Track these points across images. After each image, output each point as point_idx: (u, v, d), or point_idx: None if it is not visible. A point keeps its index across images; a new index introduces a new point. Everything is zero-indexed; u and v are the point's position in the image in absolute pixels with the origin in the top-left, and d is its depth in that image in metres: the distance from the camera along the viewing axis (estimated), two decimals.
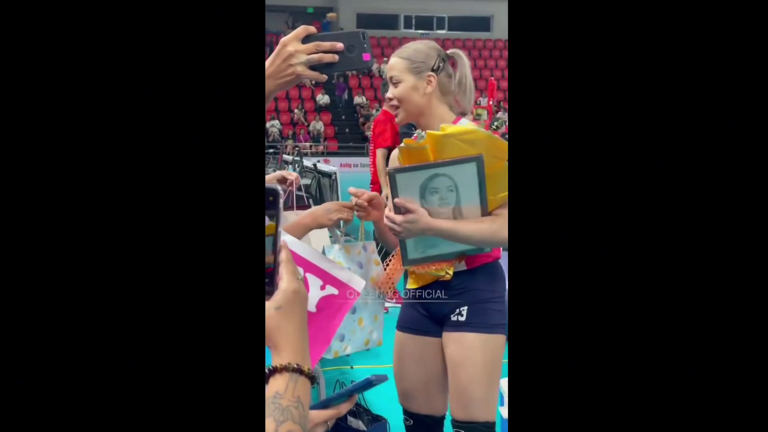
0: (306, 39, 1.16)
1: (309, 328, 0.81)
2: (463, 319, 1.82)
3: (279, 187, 0.77)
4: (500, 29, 25.59)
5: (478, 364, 1.79)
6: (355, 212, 1.81)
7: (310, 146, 19.58)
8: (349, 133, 21.29)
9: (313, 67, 1.16)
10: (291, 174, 2.07)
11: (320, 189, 6.88)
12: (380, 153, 4.78)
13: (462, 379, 1.80)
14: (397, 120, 1.88)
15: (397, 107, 1.85)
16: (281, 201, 0.77)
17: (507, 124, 1.71)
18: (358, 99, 22.60)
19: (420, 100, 1.82)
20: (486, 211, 1.71)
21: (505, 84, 17.50)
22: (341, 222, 1.82)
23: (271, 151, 11.16)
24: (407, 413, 1.97)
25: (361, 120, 21.71)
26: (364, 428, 2.75)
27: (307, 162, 7.74)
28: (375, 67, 22.56)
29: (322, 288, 1.47)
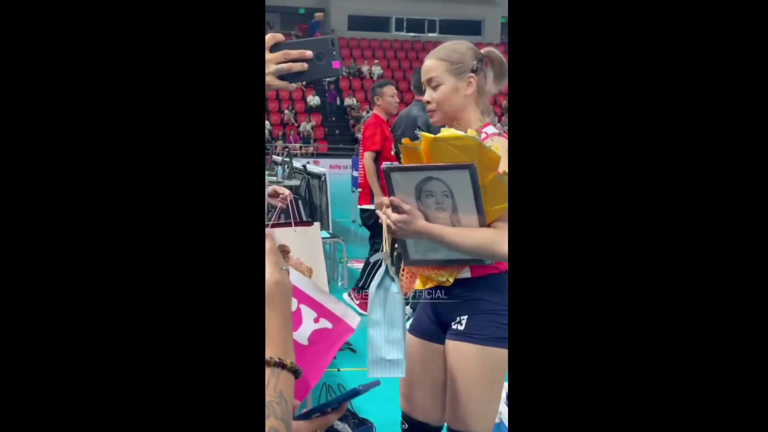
0: (274, 47, 1.12)
1: (298, 361, 0.78)
2: (462, 328, 1.78)
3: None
4: (491, 33, 25.66)
5: (473, 375, 1.75)
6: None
7: (300, 147, 19.56)
8: (339, 135, 21.28)
9: (282, 76, 1.12)
10: (283, 189, 2.05)
11: (309, 190, 6.87)
12: (368, 156, 4.78)
13: (457, 389, 1.77)
14: (432, 121, 1.86)
15: (434, 110, 1.83)
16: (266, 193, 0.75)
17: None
18: (349, 101, 22.58)
19: (460, 102, 1.80)
20: (484, 222, 1.67)
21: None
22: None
23: None
24: (405, 417, 1.94)
25: (352, 122, 21.70)
26: None
27: (297, 163, 7.72)
28: (366, 69, 22.58)
29: (316, 321, 1.42)
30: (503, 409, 2.40)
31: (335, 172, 12.60)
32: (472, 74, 1.79)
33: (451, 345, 1.79)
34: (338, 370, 3.79)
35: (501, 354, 1.75)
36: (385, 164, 1.73)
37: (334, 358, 1.55)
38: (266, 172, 7.66)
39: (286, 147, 15.02)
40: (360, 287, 4.89)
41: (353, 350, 3.94)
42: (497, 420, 2.39)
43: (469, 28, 25.31)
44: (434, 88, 1.81)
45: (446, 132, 1.66)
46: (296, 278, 1.39)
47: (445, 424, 1.88)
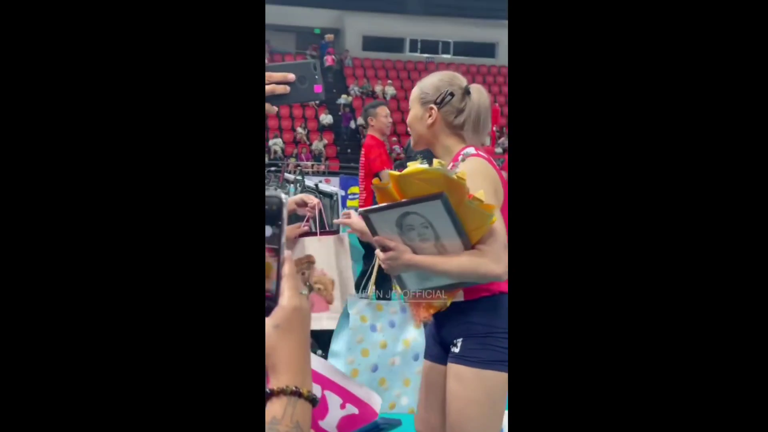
0: None
1: None
2: (457, 351, 1.80)
3: (282, 195, 0.74)
4: (505, 56, 25.66)
5: (468, 399, 1.76)
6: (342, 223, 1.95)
7: (312, 165, 19.61)
8: (351, 154, 21.33)
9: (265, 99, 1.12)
10: (311, 198, 2.03)
11: (321, 209, 6.86)
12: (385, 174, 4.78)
13: (452, 412, 1.79)
14: (411, 144, 1.98)
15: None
16: (285, 211, 0.74)
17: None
18: (361, 120, 22.64)
19: (423, 130, 1.92)
20: (468, 245, 1.71)
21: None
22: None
23: (273, 169, 11.16)
24: None
25: (363, 141, 21.67)
26: None
27: (309, 182, 7.72)
28: (379, 89, 22.67)
29: (342, 407, 1.38)
30: None
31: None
32: (433, 105, 1.88)
33: (450, 368, 1.82)
34: None
35: (495, 377, 1.75)
36: (360, 209, 1.79)
37: None
38: (278, 190, 7.65)
39: (299, 165, 15.06)
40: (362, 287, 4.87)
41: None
42: None
43: (483, 51, 25.40)
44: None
45: (410, 167, 1.71)
46: (317, 364, 1.36)
47: None
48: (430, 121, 1.89)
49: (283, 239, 0.74)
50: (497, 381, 1.76)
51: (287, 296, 0.75)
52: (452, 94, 1.89)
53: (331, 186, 7.87)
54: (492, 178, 1.79)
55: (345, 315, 1.92)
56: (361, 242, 5.13)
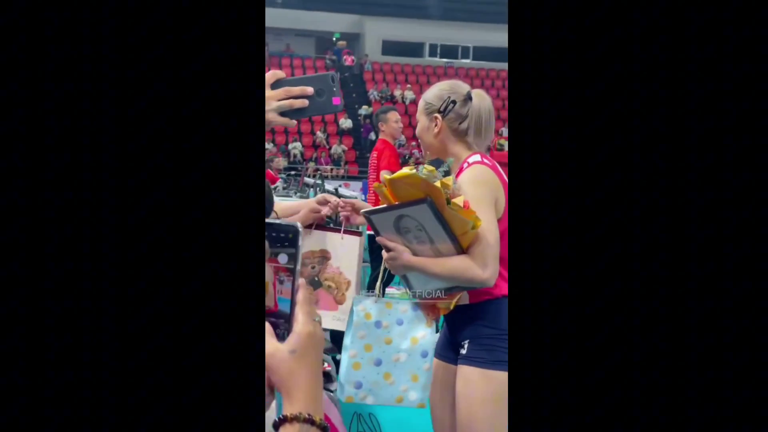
0: (275, 84, 1.15)
1: None
2: (464, 352, 1.85)
3: (299, 225, 0.75)
4: None
5: (476, 399, 1.80)
6: (339, 212, 1.97)
7: (331, 169, 19.71)
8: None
9: (283, 112, 1.15)
10: (332, 197, 2.03)
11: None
12: None
13: (461, 412, 1.83)
14: (425, 155, 2.00)
15: None
16: (301, 240, 0.75)
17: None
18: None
19: (431, 140, 1.96)
20: (459, 248, 1.76)
21: None
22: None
23: (292, 172, 11.22)
24: None
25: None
26: None
27: (329, 186, 7.75)
28: (398, 93, 22.77)
29: None
30: None
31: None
32: (438, 114, 1.92)
33: (458, 368, 1.87)
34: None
35: (501, 377, 1.79)
36: (363, 210, 1.86)
37: None
38: (297, 195, 7.70)
39: (318, 169, 15.15)
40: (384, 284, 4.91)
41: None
42: None
43: (503, 56, 25.42)
44: None
45: (399, 171, 1.78)
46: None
47: None
48: (436, 130, 1.93)
49: (299, 266, 0.75)
50: (503, 381, 1.77)
51: (302, 322, 0.76)
52: (454, 102, 1.92)
53: (351, 190, 7.88)
54: (491, 186, 1.82)
55: (352, 312, 1.95)
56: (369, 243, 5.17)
